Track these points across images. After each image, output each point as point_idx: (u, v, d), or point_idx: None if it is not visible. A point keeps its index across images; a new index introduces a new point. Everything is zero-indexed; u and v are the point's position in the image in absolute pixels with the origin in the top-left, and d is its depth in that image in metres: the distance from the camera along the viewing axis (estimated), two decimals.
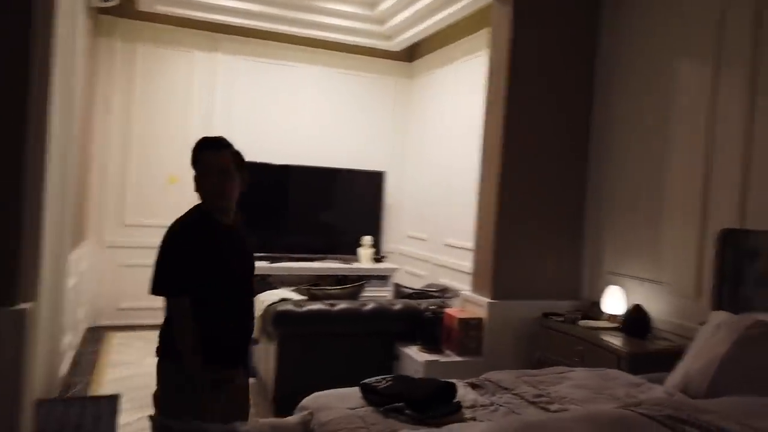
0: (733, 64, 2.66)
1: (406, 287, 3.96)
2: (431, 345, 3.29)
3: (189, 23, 5.12)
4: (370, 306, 3.40)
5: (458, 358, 3.22)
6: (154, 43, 5.08)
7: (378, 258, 5.46)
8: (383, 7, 4.95)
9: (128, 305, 4.92)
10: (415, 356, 3.22)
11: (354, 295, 3.63)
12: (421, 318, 3.37)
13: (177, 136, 5.03)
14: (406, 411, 1.69)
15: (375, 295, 4.37)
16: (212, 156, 1.80)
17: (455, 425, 1.57)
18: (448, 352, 3.29)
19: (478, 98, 4.56)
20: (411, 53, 5.80)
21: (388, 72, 5.82)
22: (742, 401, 1.53)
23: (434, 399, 1.73)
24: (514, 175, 3.35)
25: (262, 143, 5.12)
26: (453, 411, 1.72)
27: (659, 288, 2.97)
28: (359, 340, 3.36)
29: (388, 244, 5.79)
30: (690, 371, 2.02)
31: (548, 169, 3.43)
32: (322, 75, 5.62)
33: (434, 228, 5.20)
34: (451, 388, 1.81)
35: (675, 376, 2.09)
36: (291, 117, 5.50)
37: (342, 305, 3.34)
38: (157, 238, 1.80)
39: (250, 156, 1.99)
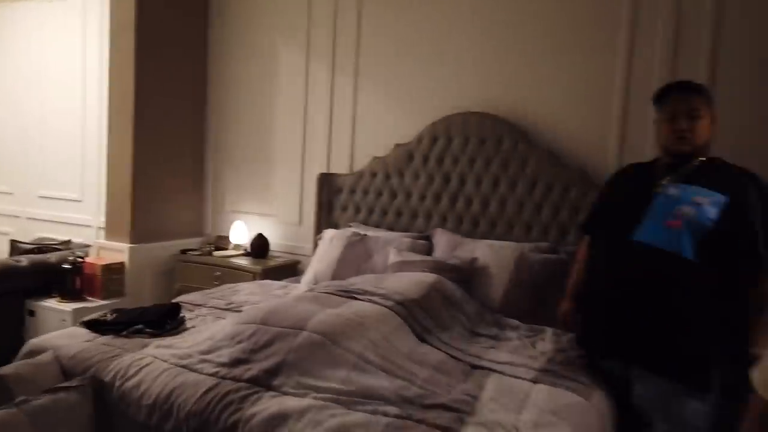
0: (318, 50, 3.66)
1: (23, 243, 3.70)
2: (71, 295, 3.33)
3: None
4: None
5: (103, 302, 3.37)
6: None
7: None
8: None
9: None
10: (58, 307, 3.21)
11: None
12: (57, 270, 3.33)
13: None
14: (147, 330, 2.00)
15: None
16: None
17: (199, 328, 2.02)
18: (90, 298, 3.39)
19: (76, 42, 4.42)
20: None
21: None
22: (364, 277, 2.52)
23: (166, 317, 2.09)
24: (145, 128, 3.60)
25: None
26: (182, 323, 2.13)
27: (273, 219, 3.86)
28: None
29: None
30: (317, 271, 2.96)
31: (174, 123, 3.82)
32: None
33: (23, 180, 4.76)
34: (177, 307, 2.19)
35: (308, 276, 2.99)
36: None
37: None
38: None
39: None
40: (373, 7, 3.47)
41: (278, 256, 3.75)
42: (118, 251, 3.57)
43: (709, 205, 1.78)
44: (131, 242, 3.57)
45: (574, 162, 2.90)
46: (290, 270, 3.62)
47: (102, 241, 3.68)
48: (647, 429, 1.81)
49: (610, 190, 2.19)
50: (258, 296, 2.60)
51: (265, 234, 3.75)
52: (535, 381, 1.78)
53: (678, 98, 1.90)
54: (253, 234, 3.77)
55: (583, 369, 1.90)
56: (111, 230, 3.66)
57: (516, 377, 1.80)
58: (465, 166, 3.13)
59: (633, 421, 1.86)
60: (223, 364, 1.69)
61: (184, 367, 1.71)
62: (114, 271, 3.47)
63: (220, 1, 3.97)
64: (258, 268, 3.44)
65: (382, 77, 3.46)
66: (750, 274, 1.77)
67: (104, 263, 3.43)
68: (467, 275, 2.59)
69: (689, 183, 1.86)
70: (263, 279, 3.31)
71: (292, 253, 3.77)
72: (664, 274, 1.79)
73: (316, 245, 3.32)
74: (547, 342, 2.14)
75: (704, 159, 1.93)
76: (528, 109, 3.04)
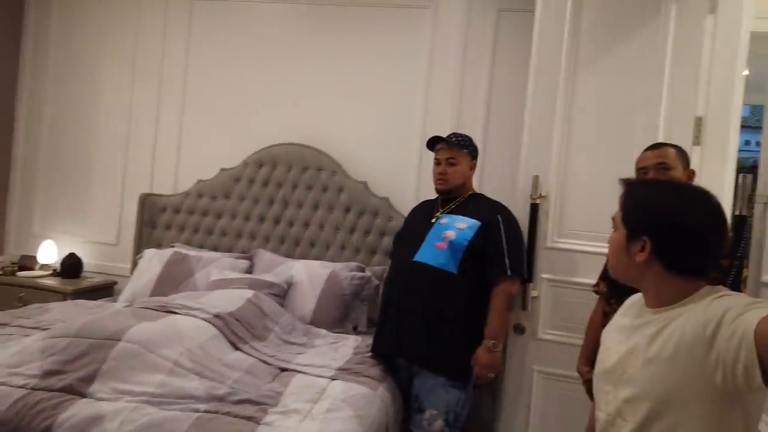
0: (145, 71, 3.70)
1: None
2: None
3: None
4: None
5: None
6: None
7: None
8: None
9: None
10: None
11: None
12: None
13: None
14: None
15: None
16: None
17: (4, 345, 1.98)
18: None
19: None
20: None
21: None
22: (184, 294, 2.64)
23: None
24: None
25: None
26: None
27: (88, 238, 3.75)
28: None
29: None
30: (135, 290, 2.99)
31: None
32: None
33: None
34: None
35: (125, 295, 3.01)
36: None
37: None
38: None
39: None
40: (203, 32, 3.63)
41: (92, 277, 3.65)
42: None
43: (467, 229, 2.27)
44: None
45: (381, 192, 3.34)
46: (106, 290, 3.56)
47: None
48: (421, 414, 2.21)
49: (406, 222, 2.64)
50: (71, 314, 2.58)
51: (79, 254, 3.63)
52: (333, 378, 2.09)
53: (441, 148, 2.41)
54: (65, 253, 3.62)
55: (374, 367, 2.26)
56: None
57: (317, 376, 2.10)
58: (288, 191, 3.41)
59: (413, 408, 2.26)
60: (33, 376, 1.73)
61: None
62: None
63: (38, 15, 3.82)
64: (69, 288, 3.34)
65: (210, 104, 3.62)
66: (498, 280, 2.26)
67: None
68: (283, 291, 2.85)
69: (456, 213, 2.35)
70: (75, 300, 3.22)
71: (108, 274, 3.69)
72: (435, 287, 2.23)
73: (135, 265, 3.33)
74: (348, 347, 2.48)
75: (469, 194, 2.45)
76: (345, 145, 3.43)
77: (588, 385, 1.93)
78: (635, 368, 1.08)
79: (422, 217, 2.46)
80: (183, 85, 3.65)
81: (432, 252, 2.25)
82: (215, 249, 3.42)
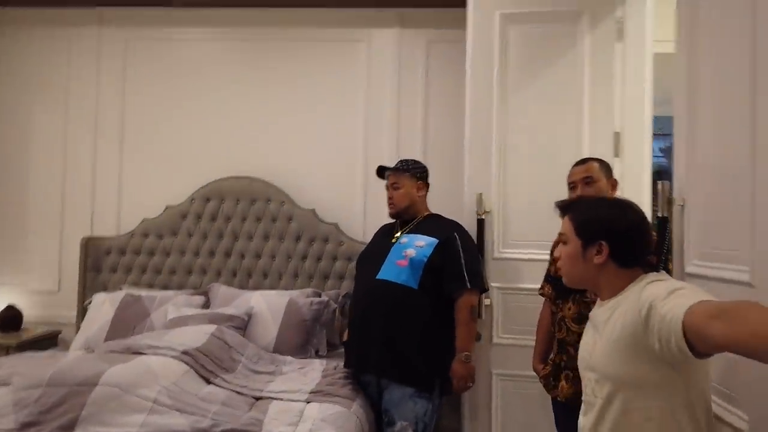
0: (79, 111, 3.63)
1: None
2: None
3: None
4: None
5: None
6: None
7: None
8: None
9: None
10: None
11: None
12: None
13: None
14: None
15: None
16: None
17: None
18: None
19: None
20: None
21: None
22: (146, 334, 2.61)
23: None
24: None
25: None
26: None
27: (27, 288, 3.60)
28: None
29: None
30: (89, 336, 2.92)
31: None
32: None
33: None
34: None
35: (78, 341, 2.93)
36: None
37: None
38: None
39: None
40: (139, 68, 3.62)
41: (34, 328, 3.50)
42: None
43: (425, 246, 2.43)
44: None
45: (330, 218, 3.45)
46: (50, 341, 3.43)
47: None
48: (392, 426, 2.32)
49: (369, 245, 2.77)
50: (29, 367, 2.48)
51: (18, 305, 3.48)
52: (308, 401, 2.16)
53: (389, 175, 2.60)
54: (2, 306, 3.46)
55: (345, 387, 2.35)
56: None
57: (292, 401, 2.16)
58: (237, 224, 3.44)
59: (384, 422, 2.36)
60: (10, 430, 1.70)
61: None
62: None
63: None
64: (12, 342, 3.20)
65: (151, 141, 3.61)
66: (459, 294, 2.41)
67: None
68: (244, 323, 2.89)
69: (415, 233, 2.50)
70: (21, 353, 3.09)
71: (50, 323, 3.55)
72: (398, 302, 2.36)
73: (83, 311, 3.24)
74: (316, 371, 2.55)
75: (426, 215, 2.61)
76: (292, 175, 3.52)
77: (545, 380, 2.12)
78: (596, 353, 1.30)
79: (383, 238, 2.61)
80: (121, 123, 3.62)
81: (394, 269, 2.38)
82: (165, 287, 3.39)
